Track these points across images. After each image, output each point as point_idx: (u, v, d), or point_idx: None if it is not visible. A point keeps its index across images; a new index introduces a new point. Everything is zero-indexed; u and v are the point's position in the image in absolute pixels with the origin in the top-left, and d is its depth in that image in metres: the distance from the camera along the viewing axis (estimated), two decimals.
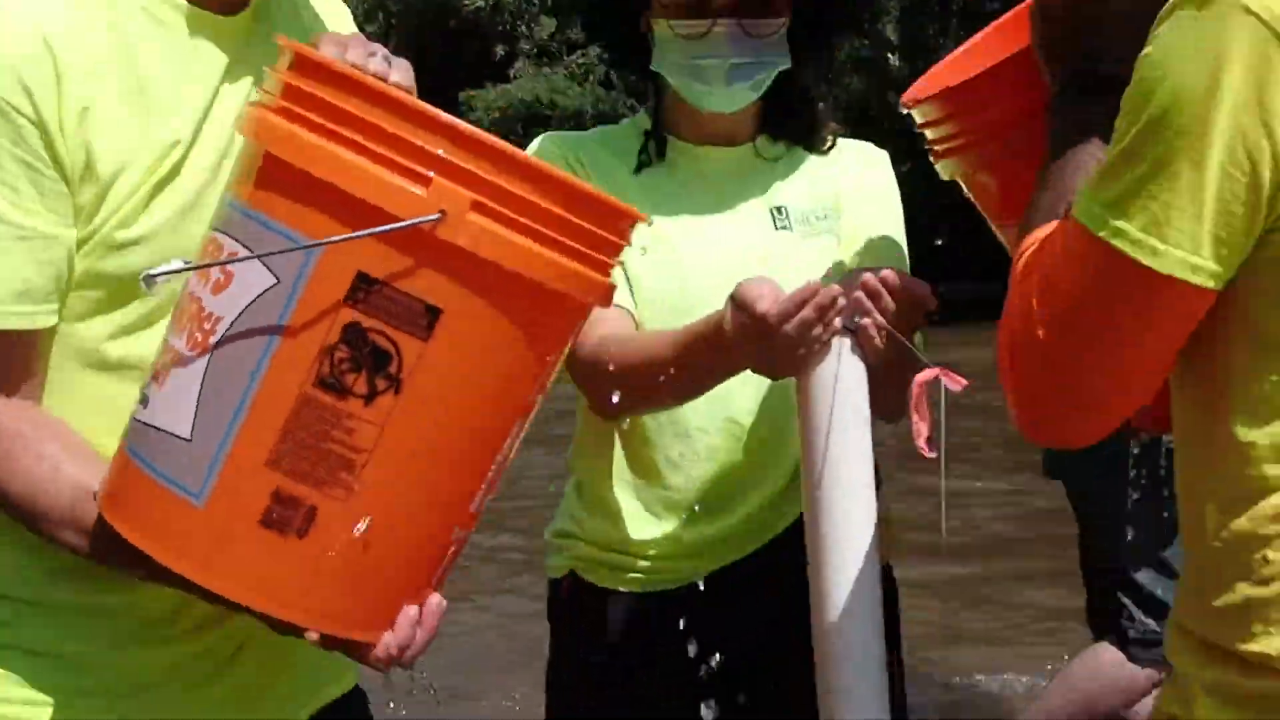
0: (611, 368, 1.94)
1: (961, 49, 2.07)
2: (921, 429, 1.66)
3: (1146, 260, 1.26)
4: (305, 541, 1.43)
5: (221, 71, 1.67)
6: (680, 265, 2.05)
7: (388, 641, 1.49)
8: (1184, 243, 1.25)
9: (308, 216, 1.41)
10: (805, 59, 2.11)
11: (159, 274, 1.47)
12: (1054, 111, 1.55)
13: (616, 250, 1.51)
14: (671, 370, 1.92)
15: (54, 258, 1.56)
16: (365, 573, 1.47)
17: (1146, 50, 1.28)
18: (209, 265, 1.44)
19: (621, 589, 2.14)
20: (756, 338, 1.75)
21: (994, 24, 2.01)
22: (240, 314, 1.42)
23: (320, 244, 1.39)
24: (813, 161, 2.17)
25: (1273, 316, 1.29)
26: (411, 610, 1.51)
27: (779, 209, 2.11)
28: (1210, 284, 1.27)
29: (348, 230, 1.39)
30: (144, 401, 1.50)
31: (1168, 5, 1.27)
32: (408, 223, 1.38)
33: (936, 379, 1.66)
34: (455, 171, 1.39)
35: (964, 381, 1.55)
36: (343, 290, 1.39)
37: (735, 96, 2.04)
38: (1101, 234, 1.29)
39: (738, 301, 1.77)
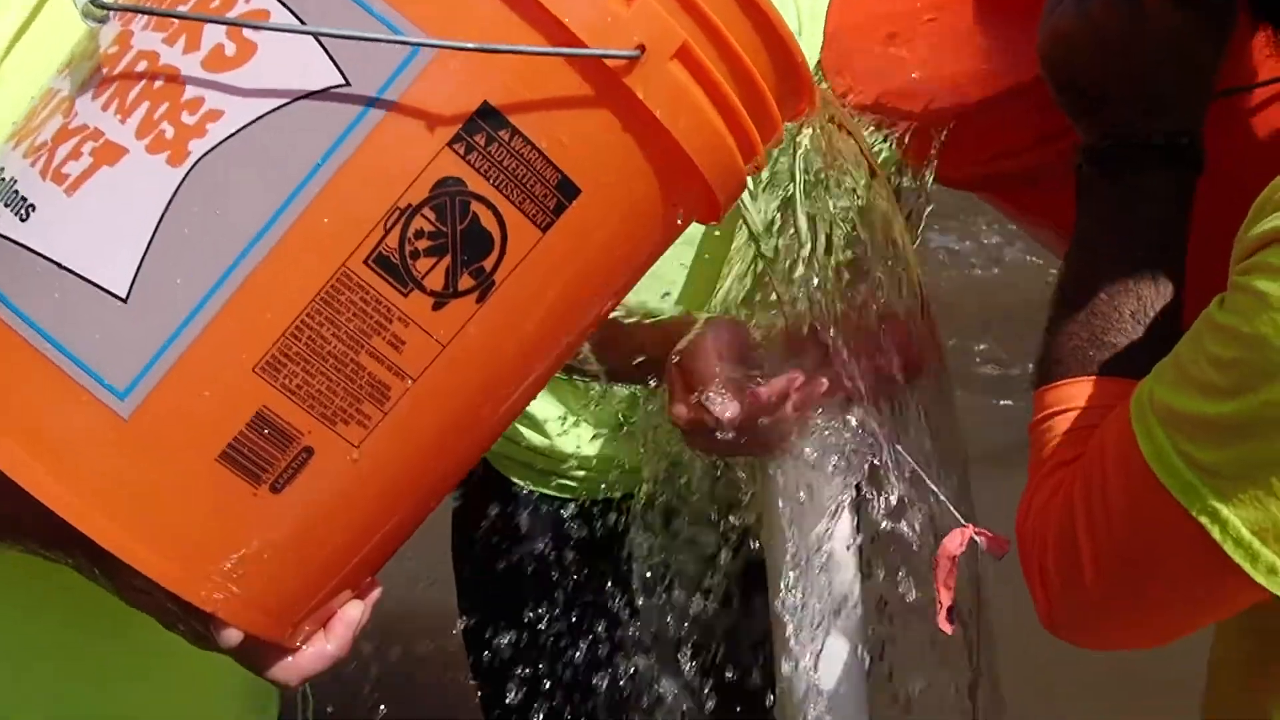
0: None
1: None
2: (945, 598, 1.23)
3: (1260, 578, 0.98)
4: (276, 499, 0.89)
5: None
6: None
7: (319, 651, 0.99)
8: None
9: None
10: None
11: (113, 5, 0.87)
12: (1080, 182, 1.18)
13: (775, 132, 1.01)
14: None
15: None
16: (325, 552, 0.95)
17: (1262, 288, 0.93)
18: (231, 23, 0.85)
19: (536, 489, 1.79)
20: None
21: None
22: (261, 117, 0.85)
23: (444, 45, 0.85)
24: None
25: None
26: (352, 611, 1.00)
27: None
28: None
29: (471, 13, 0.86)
30: (11, 203, 0.89)
31: (1270, 194, 0.94)
32: (594, 51, 0.86)
33: (971, 542, 1.23)
34: None
35: (1006, 544, 1.16)
36: (454, 124, 0.86)
37: None
38: (1193, 510, 0.98)
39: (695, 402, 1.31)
